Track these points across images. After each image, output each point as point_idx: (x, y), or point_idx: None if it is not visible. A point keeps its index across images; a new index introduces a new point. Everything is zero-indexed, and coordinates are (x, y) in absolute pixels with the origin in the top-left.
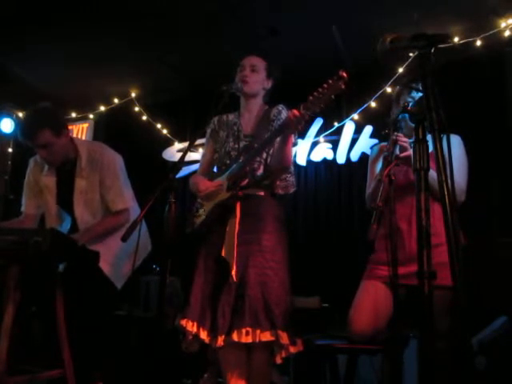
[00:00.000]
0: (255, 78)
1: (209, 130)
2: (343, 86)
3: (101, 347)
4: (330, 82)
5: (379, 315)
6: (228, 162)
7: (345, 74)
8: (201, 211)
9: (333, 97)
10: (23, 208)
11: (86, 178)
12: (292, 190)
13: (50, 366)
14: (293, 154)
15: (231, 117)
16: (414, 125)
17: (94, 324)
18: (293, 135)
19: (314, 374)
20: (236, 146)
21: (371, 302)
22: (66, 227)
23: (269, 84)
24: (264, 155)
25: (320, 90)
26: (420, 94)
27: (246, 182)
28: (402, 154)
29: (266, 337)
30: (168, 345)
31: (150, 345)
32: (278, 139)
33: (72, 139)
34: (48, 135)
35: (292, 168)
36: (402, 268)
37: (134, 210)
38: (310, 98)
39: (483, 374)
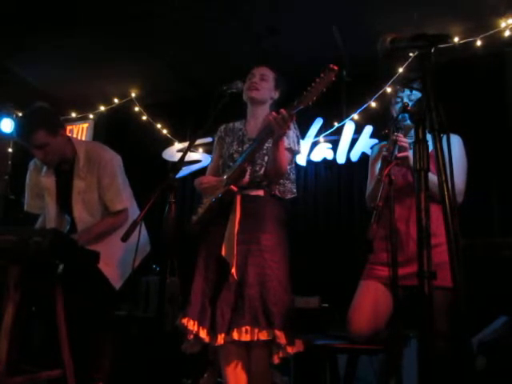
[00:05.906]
0: (264, 85)
1: (216, 138)
2: (334, 78)
3: (101, 347)
4: (322, 75)
5: (378, 315)
6: (231, 164)
7: (335, 67)
8: (199, 210)
9: (324, 89)
10: (26, 208)
11: (84, 178)
12: (289, 196)
13: (50, 365)
14: (291, 162)
15: (237, 124)
16: (413, 124)
17: (94, 324)
18: (288, 140)
19: (314, 374)
20: (240, 148)
21: (370, 302)
22: (65, 228)
23: (276, 94)
24: (265, 158)
25: (313, 84)
26: (408, 92)
27: (243, 180)
28: (399, 154)
29: (264, 336)
30: (168, 345)
31: (150, 345)
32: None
33: (70, 139)
34: (43, 135)
35: (292, 176)
36: (400, 269)
37: (133, 210)
38: (304, 92)
39: (483, 374)
